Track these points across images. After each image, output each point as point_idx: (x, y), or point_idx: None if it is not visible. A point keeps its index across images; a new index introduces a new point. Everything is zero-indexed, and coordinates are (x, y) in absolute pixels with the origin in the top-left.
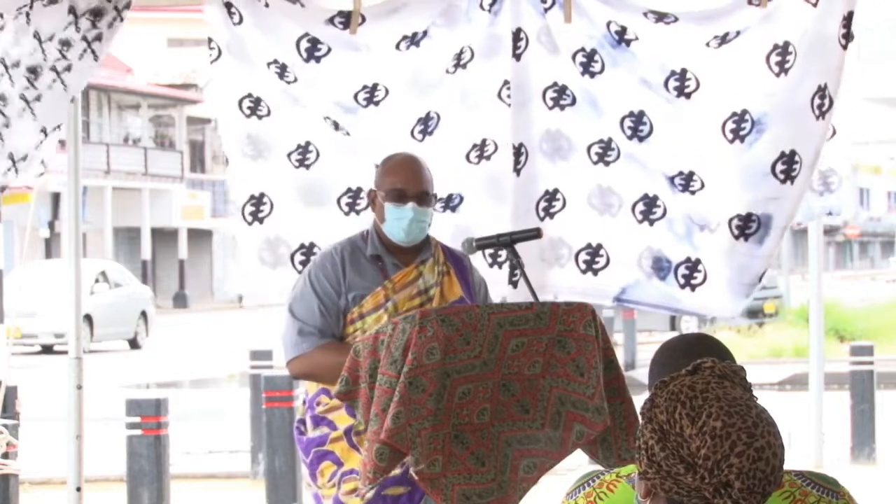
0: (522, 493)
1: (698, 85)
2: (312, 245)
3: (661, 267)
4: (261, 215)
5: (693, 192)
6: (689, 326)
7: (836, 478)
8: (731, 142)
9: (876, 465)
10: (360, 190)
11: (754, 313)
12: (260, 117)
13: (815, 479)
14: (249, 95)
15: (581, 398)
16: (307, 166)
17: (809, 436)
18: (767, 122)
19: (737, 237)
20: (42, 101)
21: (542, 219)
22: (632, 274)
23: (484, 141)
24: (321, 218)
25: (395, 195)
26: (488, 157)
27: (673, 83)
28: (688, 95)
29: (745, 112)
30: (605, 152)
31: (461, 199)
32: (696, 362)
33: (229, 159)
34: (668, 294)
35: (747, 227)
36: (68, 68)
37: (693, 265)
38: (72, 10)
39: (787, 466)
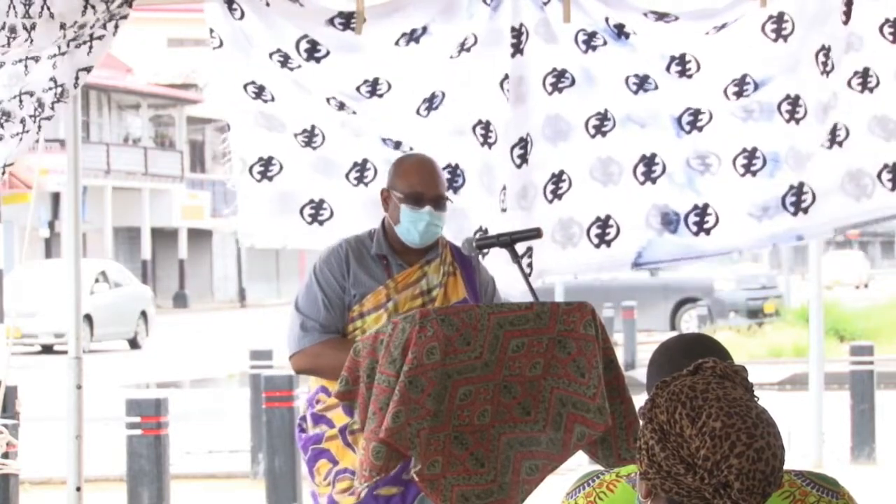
0: (525, 494)
1: (699, 67)
2: (322, 201)
3: (669, 221)
4: (270, 174)
5: (701, 129)
6: (689, 326)
7: (836, 478)
8: (738, 99)
9: (876, 465)
10: (366, 161)
11: (754, 313)
12: (265, 101)
13: (815, 479)
14: (253, 82)
15: (582, 399)
16: (314, 147)
17: (809, 436)
18: (770, 80)
19: (743, 174)
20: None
21: (550, 201)
22: (644, 235)
23: (489, 123)
24: (331, 184)
25: (412, 198)
26: (490, 146)
27: (675, 67)
28: (690, 76)
29: (745, 76)
30: (601, 123)
31: (464, 179)
32: (698, 362)
33: (232, 126)
34: (683, 245)
35: (752, 163)
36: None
37: (702, 210)
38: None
39: (787, 466)
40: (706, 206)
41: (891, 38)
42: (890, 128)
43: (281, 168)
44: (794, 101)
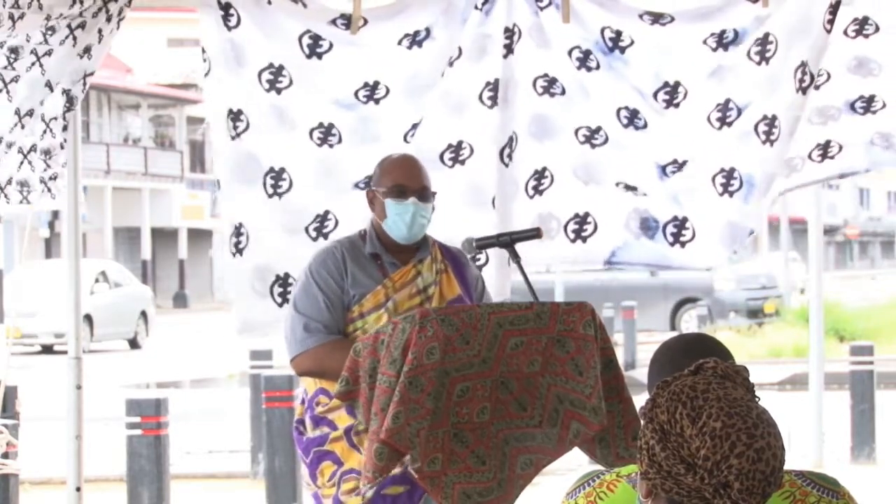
0: (519, 490)
1: (686, 95)
2: (287, 276)
3: (648, 227)
4: (241, 247)
5: (682, 167)
6: (689, 326)
7: (836, 478)
8: (720, 129)
9: (876, 465)
10: (327, 213)
11: (754, 313)
12: (239, 135)
13: (815, 479)
14: (230, 111)
15: (579, 397)
16: (279, 195)
17: (809, 436)
18: (750, 105)
19: (721, 194)
20: (20, 83)
21: (531, 197)
22: (620, 236)
23: (460, 143)
24: (293, 245)
25: (396, 191)
26: (463, 162)
27: (663, 95)
28: (676, 105)
29: (728, 101)
30: (592, 135)
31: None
32: (699, 362)
33: (221, 183)
34: (658, 252)
35: (730, 184)
36: (49, 53)
37: (681, 223)
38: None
39: (787, 466)
40: (685, 219)
41: (853, 34)
42: (830, 113)
43: (247, 238)
44: (771, 122)
